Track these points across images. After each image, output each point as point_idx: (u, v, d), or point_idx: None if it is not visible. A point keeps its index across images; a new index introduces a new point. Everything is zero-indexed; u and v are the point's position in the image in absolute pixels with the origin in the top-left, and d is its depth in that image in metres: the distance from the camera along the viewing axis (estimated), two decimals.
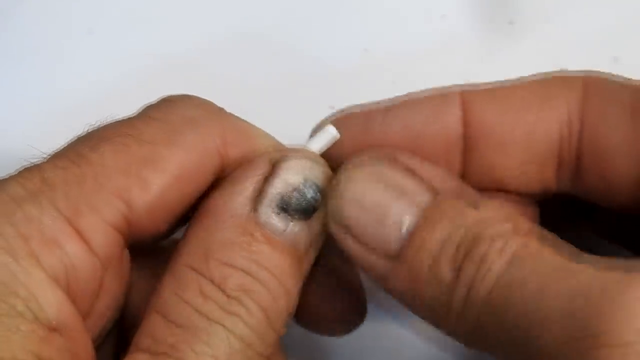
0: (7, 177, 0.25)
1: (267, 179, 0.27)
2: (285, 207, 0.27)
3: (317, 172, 0.28)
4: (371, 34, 0.39)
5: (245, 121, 0.28)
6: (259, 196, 0.27)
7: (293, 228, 0.27)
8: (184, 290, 0.25)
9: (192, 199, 0.26)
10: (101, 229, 0.24)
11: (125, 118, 0.27)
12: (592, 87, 0.29)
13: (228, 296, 0.25)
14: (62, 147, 0.26)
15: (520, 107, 0.29)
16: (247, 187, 0.27)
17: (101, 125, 0.26)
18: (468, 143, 0.30)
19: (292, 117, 0.38)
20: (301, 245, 0.27)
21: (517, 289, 0.24)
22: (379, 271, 0.27)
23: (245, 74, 0.39)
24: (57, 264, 0.24)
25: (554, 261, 0.25)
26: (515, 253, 0.25)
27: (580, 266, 0.24)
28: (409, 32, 0.39)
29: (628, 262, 0.25)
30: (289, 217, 0.27)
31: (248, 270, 0.26)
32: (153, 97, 0.28)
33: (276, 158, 0.27)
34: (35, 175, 0.24)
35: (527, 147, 0.29)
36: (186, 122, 0.26)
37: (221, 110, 0.28)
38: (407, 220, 0.26)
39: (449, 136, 0.29)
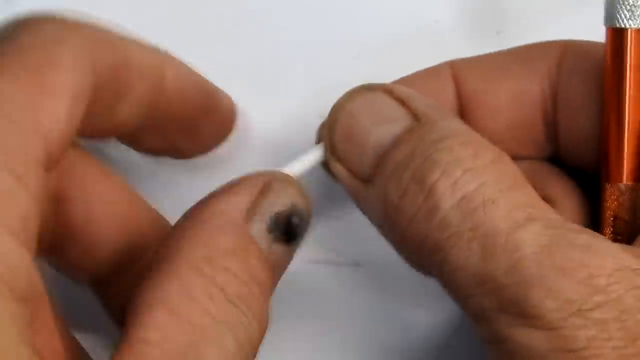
0: None
1: (263, 196, 0.28)
2: (273, 229, 0.28)
3: (304, 201, 0.29)
4: (361, 42, 0.39)
5: (104, 26, 0.28)
6: (254, 211, 0.28)
7: (276, 249, 0.28)
8: (193, 291, 0.26)
9: (81, 116, 0.25)
10: (34, 170, 0.23)
11: None
12: (569, 48, 0.30)
13: (229, 302, 0.26)
14: None
15: (504, 73, 0.31)
16: (244, 199, 0.28)
17: None
18: (460, 112, 0.31)
19: (282, 125, 0.38)
20: (278, 268, 0.28)
21: (463, 242, 0.25)
22: (357, 195, 0.29)
23: (231, 77, 0.39)
24: (14, 219, 0.22)
25: (508, 213, 0.26)
26: (467, 196, 0.26)
27: (531, 226, 0.26)
28: (397, 42, 0.39)
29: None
30: (275, 238, 0.28)
31: (245, 281, 0.27)
32: None
33: (267, 178, 0.29)
34: None
35: (513, 111, 0.30)
36: (58, 41, 0.25)
37: (84, 22, 0.27)
38: (384, 145, 0.28)
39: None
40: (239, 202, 0.28)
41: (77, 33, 0.26)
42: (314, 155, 0.31)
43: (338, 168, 0.29)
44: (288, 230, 0.29)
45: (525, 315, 0.25)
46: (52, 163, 0.24)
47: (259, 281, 0.27)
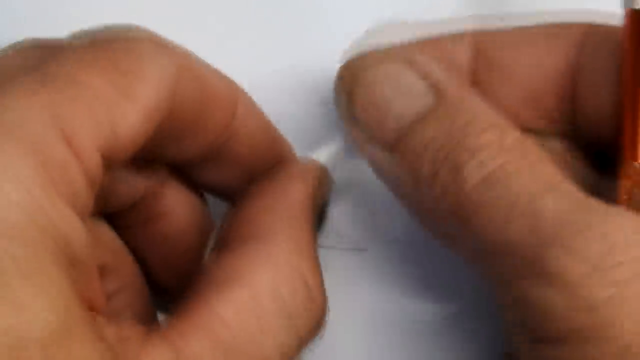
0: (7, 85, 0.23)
1: (318, 188, 0.30)
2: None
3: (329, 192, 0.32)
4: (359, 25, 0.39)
5: (193, 55, 0.28)
6: (314, 202, 0.30)
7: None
8: (282, 282, 0.26)
9: (150, 133, 0.26)
10: (94, 155, 0.24)
11: (85, 35, 0.27)
12: (592, 29, 0.32)
13: (309, 299, 0.27)
14: (44, 60, 0.24)
15: (524, 44, 0.32)
16: (311, 191, 0.30)
17: (58, 44, 0.26)
18: (475, 76, 0.32)
19: (279, 108, 0.38)
20: None
21: (486, 210, 0.26)
22: (377, 161, 0.30)
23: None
24: (69, 194, 0.23)
25: (530, 184, 0.26)
26: (492, 172, 0.27)
27: (551, 194, 0.26)
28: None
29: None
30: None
31: (320, 275, 0.28)
32: None
33: (320, 170, 0.31)
34: (29, 90, 0.23)
35: (530, 82, 0.31)
36: (149, 56, 0.26)
37: (172, 43, 0.28)
38: (407, 116, 0.28)
39: (460, 74, 0.31)
40: (310, 194, 0.30)
41: (167, 55, 0.26)
42: (335, 146, 0.34)
43: (357, 133, 0.30)
44: (323, 219, 0.31)
45: (545, 275, 0.25)
46: (111, 158, 0.24)
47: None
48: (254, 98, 0.31)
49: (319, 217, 0.31)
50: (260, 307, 0.26)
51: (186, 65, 0.27)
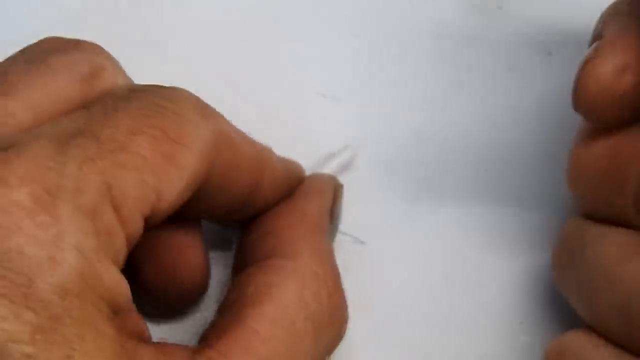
0: (58, 146, 0.24)
1: (334, 202, 0.32)
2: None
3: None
4: (360, 16, 0.39)
5: (227, 122, 0.29)
6: (332, 216, 0.31)
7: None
8: (308, 295, 0.27)
9: (188, 197, 0.27)
10: (138, 220, 0.25)
11: (135, 95, 0.27)
12: None
13: (334, 309, 0.29)
14: (98, 121, 0.25)
15: None
16: (329, 204, 0.31)
17: (111, 104, 0.26)
18: None
19: (279, 101, 0.37)
20: None
21: None
22: None
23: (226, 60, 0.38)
24: (114, 255, 0.24)
25: None
26: None
27: None
28: (398, 18, 0.39)
29: None
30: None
31: (341, 285, 0.30)
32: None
33: (336, 184, 0.33)
34: (86, 156, 0.24)
35: None
36: (192, 124, 0.26)
37: (211, 110, 0.28)
38: None
39: None
40: (327, 206, 0.31)
41: (209, 121, 0.27)
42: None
43: None
44: (335, 228, 0.32)
45: None
46: (152, 219, 0.25)
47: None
48: None
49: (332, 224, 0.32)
50: (291, 319, 0.27)
51: (223, 132, 0.28)
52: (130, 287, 0.31)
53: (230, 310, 0.27)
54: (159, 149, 0.25)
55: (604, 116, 0.29)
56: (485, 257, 0.35)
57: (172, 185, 0.25)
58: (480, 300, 0.34)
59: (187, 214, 0.29)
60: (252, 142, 0.30)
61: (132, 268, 0.30)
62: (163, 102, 0.26)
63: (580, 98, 0.29)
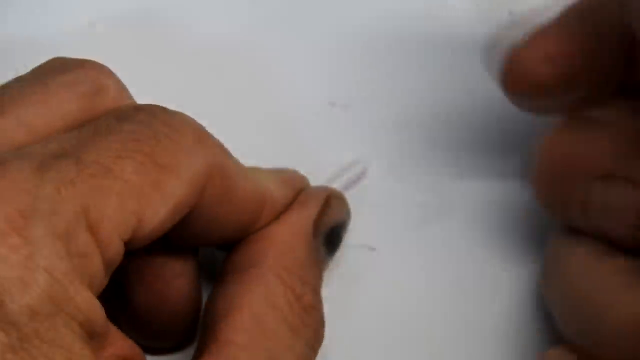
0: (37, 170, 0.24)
1: (324, 212, 0.31)
2: (327, 242, 0.31)
3: (349, 218, 0.33)
4: (371, 24, 0.39)
5: (226, 155, 0.29)
6: (318, 225, 0.31)
7: (326, 259, 0.32)
8: (276, 298, 0.28)
9: (172, 226, 0.27)
10: (117, 244, 0.25)
11: (131, 117, 0.27)
12: None
13: (304, 311, 0.28)
14: (84, 144, 0.25)
15: None
16: (313, 214, 0.31)
17: (106, 122, 0.26)
18: None
19: (289, 110, 0.38)
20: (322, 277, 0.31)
21: None
22: None
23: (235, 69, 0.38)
24: (89, 278, 0.24)
25: None
26: None
27: None
28: (407, 26, 0.39)
29: None
30: (326, 250, 0.31)
31: (315, 290, 0.29)
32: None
33: (328, 195, 0.32)
34: (66, 179, 0.24)
35: None
36: (186, 152, 0.26)
37: (210, 140, 0.28)
38: None
39: None
40: (309, 216, 0.31)
41: (205, 150, 0.27)
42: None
43: None
44: (336, 241, 0.32)
45: None
46: (134, 244, 0.25)
47: (320, 289, 0.30)
48: None
49: (332, 238, 0.31)
50: (264, 324, 0.27)
51: (218, 163, 0.27)
52: (123, 317, 0.31)
53: (207, 329, 0.27)
54: (144, 174, 0.25)
55: (528, 104, 0.29)
56: (495, 265, 0.35)
57: (155, 210, 0.25)
58: (491, 308, 0.34)
59: (176, 241, 0.29)
60: (252, 178, 0.30)
61: (123, 297, 0.31)
62: (158, 126, 0.26)
63: (506, 83, 0.30)
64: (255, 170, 0.31)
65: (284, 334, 0.27)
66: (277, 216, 0.31)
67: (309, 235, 0.30)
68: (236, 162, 0.29)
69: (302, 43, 0.39)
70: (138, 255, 0.30)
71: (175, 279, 0.31)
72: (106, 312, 0.25)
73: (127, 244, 0.25)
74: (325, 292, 0.31)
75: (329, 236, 0.31)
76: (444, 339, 0.34)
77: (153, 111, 0.27)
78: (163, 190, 0.25)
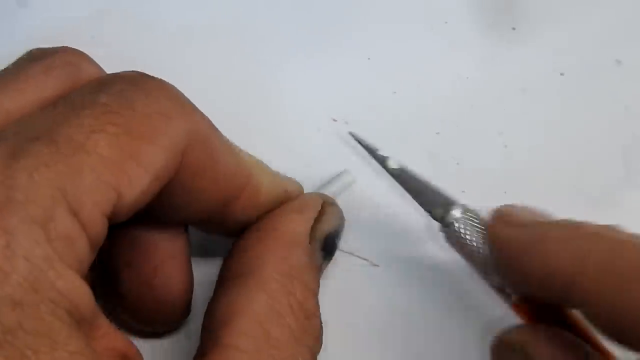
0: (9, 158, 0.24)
1: (320, 218, 0.31)
2: (324, 247, 0.31)
3: (344, 225, 0.33)
4: (374, 42, 0.39)
5: (210, 125, 0.28)
6: (314, 231, 0.31)
7: (323, 265, 0.32)
8: (278, 304, 0.28)
9: (154, 196, 0.26)
10: (100, 221, 0.24)
11: (107, 90, 0.26)
12: None
13: (306, 316, 0.28)
14: (58, 123, 0.25)
15: None
16: (309, 221, 0.31)
17: (81, 97, 0.26)
18: None
19: (295, 126, 0.38)
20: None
21: None
22: None
23: (245, 82, 0.39)
24: (74, 260, 0.23)
25: None
26: None
27: None
28: (411, 39, 0.39)
29: None
30: (323, 255, 0.31)
31: (315, 295, 0.29)
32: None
33: (323, 202, 0.32)
34: (39, 163, 0.23)
35: None
36: (163, 118, 0.26)
37: (190, 107, 0.27)
38: None
39: None
40: (306, 223, 0.31)
41: (184, 118, 0.26)
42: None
43: None
44: (332, 248, 0.32)
45: None
46: (117, 217, 0.25)
47: (317, 294, 0.30)
48: None
49: (327, 244, 0.31)
50: (266, 329, 0.27)
51: (199, 131, 0.27)
52: (116, 303, 0.31)
53: (208, 333, 0.27)
54: (120, 147, 0.24)
55: None
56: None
57: (134, 182, 0.25)
58: (493, 323, 0.34)
59: (156, 214, 0.28)
60: (236, 155, 0.29)
61: (114, 283, 0.30)
62: (134, 94, 0.26)
63: None
64: (249, 156, 0.30)
65: (286, 340, 0.27)
66: (259, 209, 0.31)
67: (306, 241, 0.30)
68: (221, 136, 0.29)
69: (308, 61, 0.39)
70: (126, 240, 0.30)
71: (164, 262, 0.30)
72: (98, 300, 0.24)
73: (110, 218, 0.25)
74: (327, 305, 0.32)
75: (325, 242, 0.31)
76: (446, 352, 0.34)
77: (130, 78, 0.26)
78: (141, 160, 0.25)
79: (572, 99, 0.38)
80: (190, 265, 0.31)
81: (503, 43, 0.39)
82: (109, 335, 0.25)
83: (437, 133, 0.37)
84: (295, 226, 0.30)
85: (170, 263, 0.30)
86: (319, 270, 0.31)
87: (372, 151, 0.33)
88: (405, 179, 0.32)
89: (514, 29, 0.39)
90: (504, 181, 0.37)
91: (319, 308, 0.29)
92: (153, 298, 0.30)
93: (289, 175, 0.33)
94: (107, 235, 0.29)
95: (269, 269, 0.28)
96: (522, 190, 0.37)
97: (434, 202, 0.31)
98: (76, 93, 0.26)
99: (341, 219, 0.33)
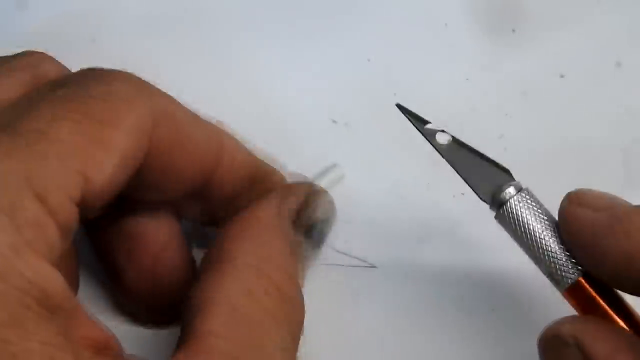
0: None
1: (306, 205, 0.31)
2: (310, 235, 0.31)
3: (334, 213, 0.32)
4: (373, 44, 0.39)
5: (173, 102, 0.28)
6: (299, 218, 0.30)
7: (310, 252, 0.31)
8: (253, 289, 0.27)
9: (127, 178, 0.26)
10: (68, 207, 0.24)
11: (64, 83, 0.26)
12: None
13: (284, 299, 0.28)
14: (19, 115, 0.25)
15: None
16: (293, 207, 0.30)
17: (40, 92, 0.26)
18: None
19: (294, 127, 0.38)
20: (305, 270, 0.31)
21: None
22: None
23: (245, 83, 0.39)
24: (44, 247, 0.23)
25: None
26: None
27: None
28: (411, 41, 0.39)
29: None
30: (310, 243, 0.31)
31: (294, 279, 0.29)
32: None
33: (309, 190, 0.31)
34: (2, 153, 0.23)
35: None
36: (124, 102, 0.26)
37: (149, 88, 0.28)
38: None
39: None
40: (288, 209, 0.30)
41: (146, 99, 0.27)
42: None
43: None
44: (320, 237, 0.31)
45: None
46: (89, 204, 0.25)
47: (301, 279, 0.29)
48: None
49: (314, 233, 0.31)
50: (245, 313, 0.27)
51: (164, 110, 0.27)
52: (121, 296, 0.31)
53: (189, 322, 0.27)
54: (83, 133, 0.24)
55: None
56: (497, 280, 0.35)
57: (100, 166, 0.25)
58: (492, 324, 0.34)
59: (144, 200, 0.29)
60: (205, 125, 0.29)
61: (118, 275, 0.31)
62: (93, 85, 0.26)
63: None
64: (219, 127, 0.30)
65: (263, 323, 0.27)
66: (241, 180, 0.31)
67: (286, 227, 0.30)
68: (187, 110, 0.29)
69: (308, 63, 0.39)
70: (123, 233, 0.30)
71: (163, 250, 0.31)
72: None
73: (82, 206, 0.24)
74: (326, 307, 0.32)
75: (311, 230, 0.31)
76: (445, 354, 0.34)
77: (87, 71, 0.27)
78: (106, 144, 0.25)
79: (572, 101, 0.38)
80: (190, 252, 0.32)
81: (503, 45, 0.39)
82: (87, 324, 0.24)
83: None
84: (274, 212, 0.30)
85: (169, 250, 0.31)
86: (301, 257, 0.30)
87: (419, 125, 0.31)
88: (454, 158, 0.31)
89: (514, 31, 0.39)
90: None
91: (300, 293, 0.29)
92: (156, 286, 0.31)
93: None
94: (105, 229, 0.30)
95: (244, 254, 0.28)
96: None
97: (484, 182, 0.30)
98: (36, 90, 0.26)
99: (331, 208, 0.32)
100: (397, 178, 0.36)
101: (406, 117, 0.31)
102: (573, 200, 0.29)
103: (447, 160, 0.30)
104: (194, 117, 0.29)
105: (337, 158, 0.36)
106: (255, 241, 0.29)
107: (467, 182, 0.30)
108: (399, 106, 0.31)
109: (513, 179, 0.30)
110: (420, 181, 0.36)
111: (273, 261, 0.28)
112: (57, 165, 0.24)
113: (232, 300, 0.27)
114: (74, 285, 0.30)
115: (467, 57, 0.39)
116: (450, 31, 0.39)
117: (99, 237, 0.31)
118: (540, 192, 0.37)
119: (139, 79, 0.27)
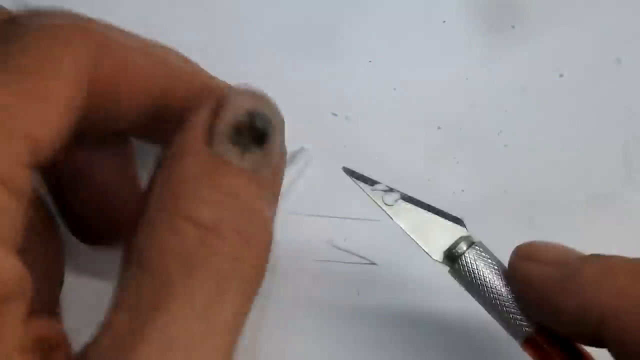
0: None
1: (219, 112, 0.26)
2: (237, 138, 0.26)
3: (263, 104, 0.27)
4: (373, 42, 0.39)
5: (112, 29, 0.27)
6: (213, 130, 0.26)
7: (251, 157, 0.26)
8: (157, 234, 0.24)
9: (76, 120, 0.25)
10: (19, 171, 0.23)
11: None
12: None
13: (205, 230, 0.24)
14: None
15: None
16: (197, 124, 0.26)
17: None
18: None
19: (294, 124, 0.37)
20: (263, 172, 0.26)
21: None
22: None
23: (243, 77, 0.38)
24: (1, 216, 0.22)
25: None
26: None
27: None
28: (409, 38, 0.39)
29: None
30: (243, 147, 0.26)
31: (219, 201, 0.25)
32: None
33: (221, 94, 0.26)
34: None
35: None
36: (59, 43, 0.24)
37: (88, 23, 0.26)
38: None
39: None
40: (195, 127, 0.26)
41: (81, 36, 0.25)
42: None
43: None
44: (255, 135, 0.27)
45: None
46: (43, 163, 0.24)
47: (238, 193, 0.25)
48: None
49: (243, 133, 0.27)
50: (163, 247, 0.24)
51: (103, 42, 0.25)
52: (71, 224, 0.30)
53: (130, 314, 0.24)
54: (16, 93, 0.23)
55: None
56: None
57: (46, 122, 0.23)
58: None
59: (96, 132, 0.27)
60: (152, 53, 0.27)
61: (68, 212, 0.29)
62: (21, 35, 0.24)
63: None
64: (163, 47, 0.28)
65: (176, 272, 0.23)
66: (192, 92, 0.28)
67: (197, 146, 0.26)
68: (131, 38, 0.27)
69: (309, 60, 0.39)
70: (70, 169, 0.29)
71: (111, 179, 0.29)
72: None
73: (36, 163, 0.23)
74: (326, 303, 0.32)
75: (242, 133, 0.26)
76: (446, 351, 0.34)
77: (15, 20, 0.25)
78: (46, 97, 0.23)
79: (572, 98, 0.38)
80: (137, 177, 0.30)
81: (503, 42, 0.38)
82: (45, 325, 0.23)
83: (437, 131, 0.37)
84: (180, 137, 0.26)
85: (115, 180, 0.29)
86: (232, 171, 0.26)
87: (365, 187, 0.30)
88: (403, 217, 0.30)
89: (513, 27, 0.39)
90: (503, 181, 0.37)
91: (229, 214, 0.25)
92: (108, 215, 0.29)
93: None
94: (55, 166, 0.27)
95: (150, 204, 0.25)
96: (522, 190, 0.37)
97: (436, 239, 0.30)
98: None
99: (256, 101, 0.27)
100: (399, 174, 0.36)
101: (353, 180, 0.30)
102: (522, 255, 0.29)
103: (395, 221, 0.30)
104: (137, 42, 0.27)
105: (337, 151, 0.37)
106: (166, 180, 0.25)
107: (417, 243, 0.30)
108: (345, 169, 0.31)
109: (465, 230, 0.30)
110: (421, 177, 0.36)
111: (188, 192, 0.25)
112: (2, 133, 0.22)
113: (139, 259, 0.24)
114: (53, 275, 0.28)
115: (467, 54, 0.38)
116: (449, 28, 0.39)
117: (50, 175, 0.30)
118: (540, 187, 0.37)
119: (74, 16, 0.26)
